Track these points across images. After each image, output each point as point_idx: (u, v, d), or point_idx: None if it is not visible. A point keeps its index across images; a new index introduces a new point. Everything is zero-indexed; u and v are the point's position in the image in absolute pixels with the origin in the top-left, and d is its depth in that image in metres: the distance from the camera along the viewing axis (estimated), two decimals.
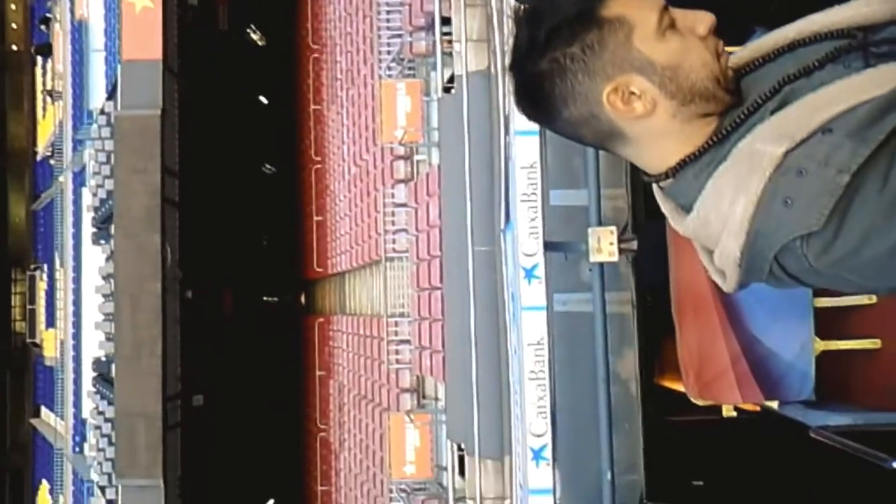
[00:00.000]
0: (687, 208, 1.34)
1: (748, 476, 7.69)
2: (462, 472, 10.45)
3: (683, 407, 9.21)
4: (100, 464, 19.58)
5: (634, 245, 6.62)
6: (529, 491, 4.94)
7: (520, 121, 4.89)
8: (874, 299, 4.35)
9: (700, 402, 4.63)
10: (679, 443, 8.13)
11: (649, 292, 7.28)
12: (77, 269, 23.91)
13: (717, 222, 1.28)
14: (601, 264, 6.62)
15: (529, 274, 5.03)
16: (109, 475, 18.87)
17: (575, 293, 7.27)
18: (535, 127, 5.04)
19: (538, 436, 4.91)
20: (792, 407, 4.44)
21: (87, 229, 22.52)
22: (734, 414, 4.76)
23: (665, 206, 1.39)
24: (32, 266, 31.18)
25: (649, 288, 7.11)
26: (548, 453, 4.89)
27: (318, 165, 22.00)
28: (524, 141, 4.96)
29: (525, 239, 5.07)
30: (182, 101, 18.57)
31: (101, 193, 19.63)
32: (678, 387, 9.08)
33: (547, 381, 5.00)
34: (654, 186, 1.40)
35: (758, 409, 8.97)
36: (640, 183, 7.57)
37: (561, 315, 7.21)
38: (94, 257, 21.33)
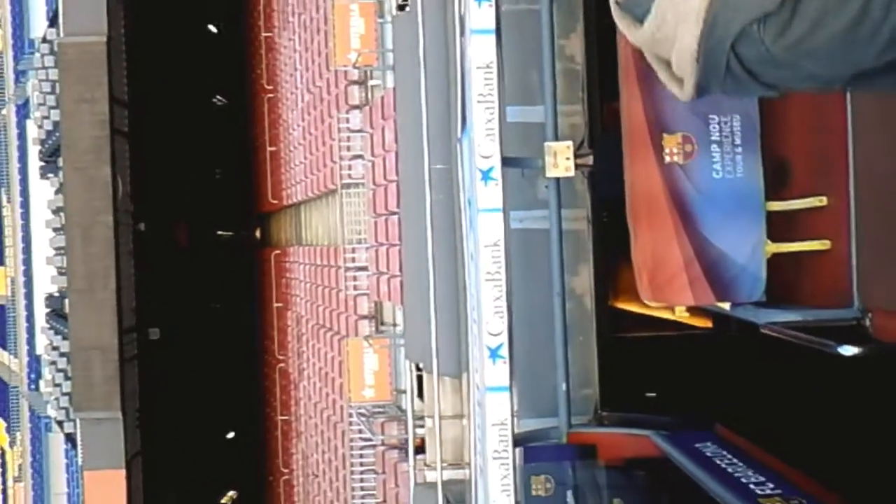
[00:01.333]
0: (642, 18, 1.34)
1: (699, 387, 7.92)
2: (420, 395, 10.59)
3: (637, 325, 9.42)
4: (56, 399, 19.49)
5: (591, 160, 6.65)
6: (486, 389, 5.02)
7: (476, 19, 4.83)
8: (824, 202, 4.43)
9: (653, 304, 4.72)
10: (632, 357, 8.32)
11: (605, 207, 7.35)
12: (25, 203, 23.40)
13: (674, 18, 1.28)
14: (557, 180, 6.64)
15: (486, 176, 5.04)
16: (67, 410, 18.82)
17: (531, 210, 7.31)
18: (491, 25, 5.00)
19: (495, 335, 4.98)
20: (743, 308, 4.54)
21: (34, 163, 22.00)
22: (686, 315, 4.86)
23: (622, 23, 1.39)
24: None
25: (605, 201, 7.18)
26: (504, 352, 4.97)
27: (271, 95, 21.61)
28: (480, 40, 4.90)
29: (482, 140, 5.06)
30: (129, 27, 18.03)
31: (47, 125, 19.14)
32: (633, 308, 9.25)
33: (503, 282, 5.05)
34: (612, 4, 1.39)
35: (709, 324, 9.20)
36: (596, 99, 7.58)
37: (517, 232, 7.26)
38: (43, 191, 20.89)
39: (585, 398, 7.75)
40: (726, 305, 4.57)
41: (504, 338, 4.97)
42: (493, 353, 4.98)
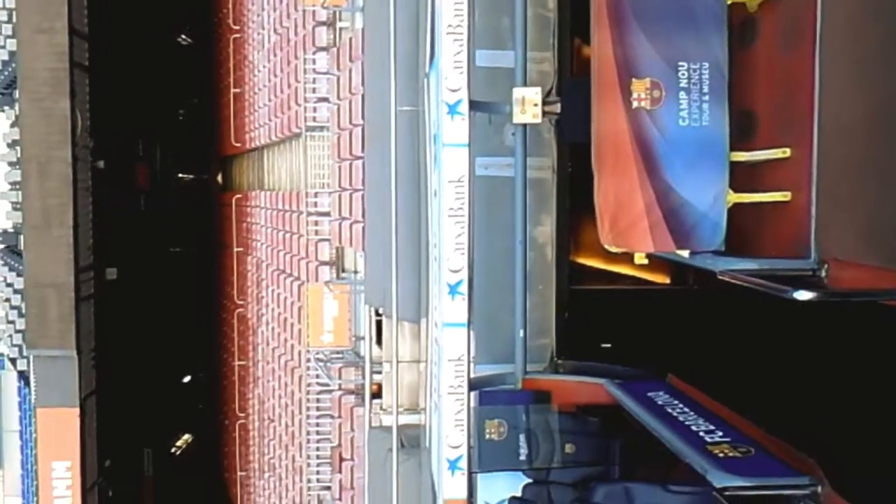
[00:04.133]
0: None
1: (653, 339, 8.03)
2: (379, 342, 10.61)
3: (596, 279, 9.48)
4: (10, 336, 19.24)
5: (558, 108, 6.60)
6: (444, 324, 5.03)
7: None
8: (788, 153, 4.45)
9: (613, 250, 4.72)
10: (590, 309, 8.40)
11: (571, 156, 7.34)
12: None
13: None
14: (524, 127, 6.60)
15: (453, 110, 4.98)
16: (20, 347, 18.59)
17: (496, 157, 7.28)
18: None
19: (455, 271, 4.98)
20: (701, 256, 4.57)
21: None
22: (644, 269, 4.89)
23: None
24: None
25: (571, 149, 7.17)
26: (463, 288, 4.97)
27: (237, 35, 21.19)
28: None
29: (450, 73, 4.99)
30: None
31: (3, 55, 18.60)
32: (592, 263, 9.31)
33: (465, 219, 5.03)
34: None
35: (666, 280, 9.28)
36: (566, 47, 7.53)
37: (482, 179, 7.22)
38: None
39: (542, 347, 7.81)
40: (685, 253, 4.59)
41: (464, 274, 4.97)
42: (453, 290, 4.98)
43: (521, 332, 6.64)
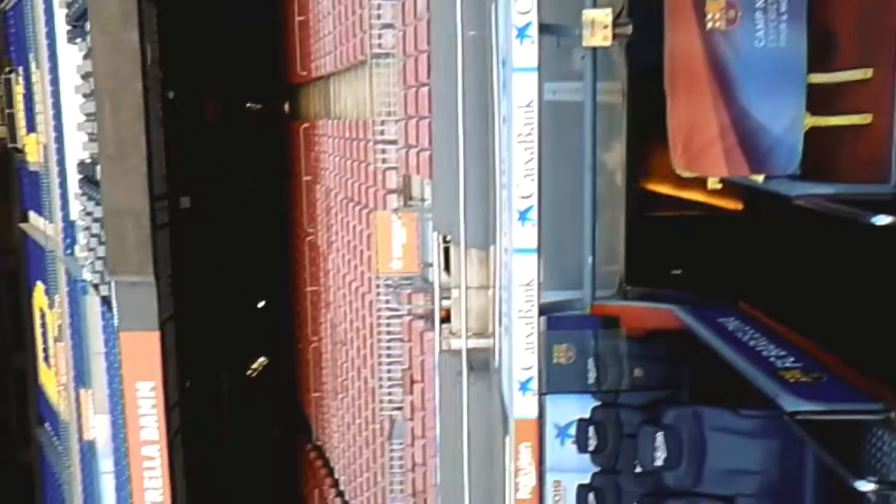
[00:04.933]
0: None
1: (725, 266, 7.95)
2: (447, 268, 10.72)
3: (666, 205, 9.37)
4: (91, 263, 19.96)
5: (629, 30, 6.46)
6: (514, 250, 5.08)
7: None
8: (869, 74, 4.32)
9: (686, 175, 4.68)
10: (660, 236, 8.33)
11: (642, 80, 7.20)
12: (54, 69, 23.29)
13: None
14: (594, 50, 6.49)
15: (522, 33, 4.93)
16: (101, 273, 19.28)
17: (565, 82, 7.18)
18: None
19: (524, 197, 5.00)
20: (777, 181, 4.50)
21: (62, 27, 21.77)
22: (719, 187, 4.83)
23: None
24: (7, 69, 30.34)
25: (642, 72, 7.03)
26: (533, 214, 4.99)
27: None
28: None
29: None
30: None
31: None
32: (663, 189, 9.19)
33: (535, 144, 5.02)
34: None
35: (739, 206, 9.16)
36: None
37: (550, 104, 7.15)
38: (71, 56, 20.77)
39: (611, 273, 7.81)
40: (760, 178, 4.52)
41: (534, 200, 4.99)
42: (523, 216, 5.00)
43: (590, 259, 6.65)
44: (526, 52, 4.95)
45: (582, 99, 6.87)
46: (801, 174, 4.59)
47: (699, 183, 5.20)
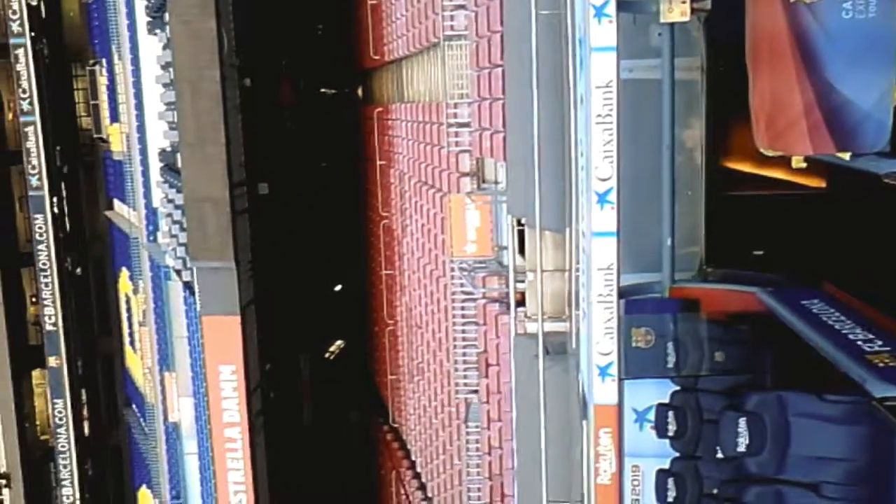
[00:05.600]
0: None
1: (808, 246, 7.70)
2: (522, 251, 10.66)
3: (747, 184, 9.11)
4: (174, 249, 20.46)
5: (708, 4, 6.29)
6: (593, 234, 5.01)
7: None
8: None
9: (769, 153, 4.53)
10: (741, 216, 8.12)
11: (722, 55, 7.01)
12: (135, 60, 23.89)
13: None
14: (672, 26, 6.35)
15: (600, 12, 4.84)
16: (184, 259, 19.76)
17: (642, 59, 7.04)
18: None
19: (603, 180, 4.92)
20: (864, 158, 4.33)
21: (142, 19, 22.29)
22: (804, 165, 4.67)
23: None
24: (91, 61, 31.25)
25: (721, 48, 6.85)
26: (612, 197, 4.91)
27: None
28: None
29: None
30: None
31: None
32: (744, 167, 8.94)
33: (614, 125, 4.93)
34: None
35: (822, 184, 8.86)
36: None
37: (627, 82, 7.01)
38: (151, 47, 21.25)
39: (690, 255, 7.65)
40: (846, 156, 4.36)
41: (613, 182, 4.90)
42: (602, 199, 4.92)
43: (669, 241, 6.53)
44: (604, 32, 4.86)
45: (659, 76, 6.73)
46: (891, 151, 4.41)
47: (782, 161, 5.04)
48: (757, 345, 6.24)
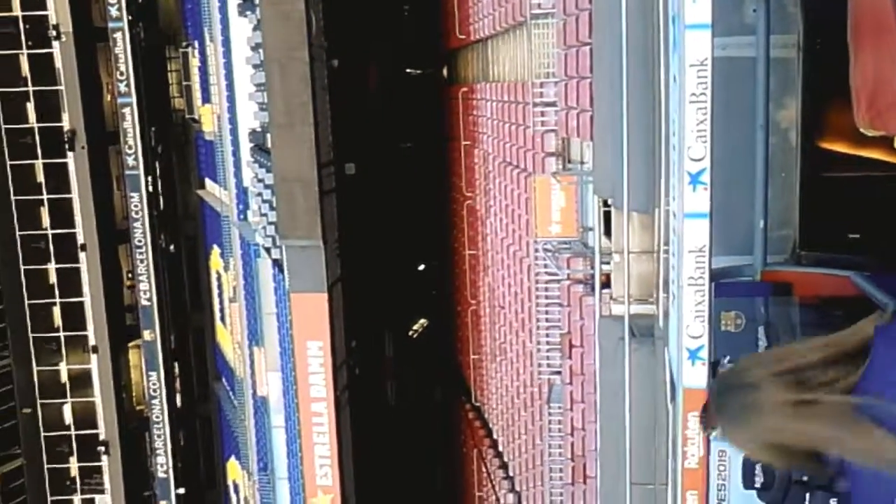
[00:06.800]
0: None
1: None
2: (608, 232, 10.56)
3: (845, 166, 8.80)
4: (263, 228, 20.96)
5: None
6: (685, 215, 4.92)
7: None
8: None
9: (869, 133, 4.36)
10: (837, 198, 7.85)
11: (819, 33, 6.78)
12: (226, 42, 24.42)
13: None
14: (767, 2, 6.17)
15: None
16: (273, 238, 20.22)
17: (736, 36, 6.86)
18: None
19: (696, 160, 4.82)
20: None
21: (233, 1, 22.75)
22: None
23: None
24: (184, 43, 32.08)
25: (820, 24, 6.62)
26: (705, 178, 4.81)
27: None
28: None
29: None
30: None
31: None
32: (841, 148, 8.63)
33: (708, 105, 4.84)
34: None
35: None
36: None
37: (719, 60, 6.85)
38: (242, 29, 21.68)
39: (783, 238, 7.45)
40: None
41: (706, 163, 4.80)
42: (694, 180, 4.83)
43: (761, 223, 6.38)
44: (699, 8, 4.75)
45: (753, 54, 6.56)
46: None
47: (883, 141, 4.84)
48: None
